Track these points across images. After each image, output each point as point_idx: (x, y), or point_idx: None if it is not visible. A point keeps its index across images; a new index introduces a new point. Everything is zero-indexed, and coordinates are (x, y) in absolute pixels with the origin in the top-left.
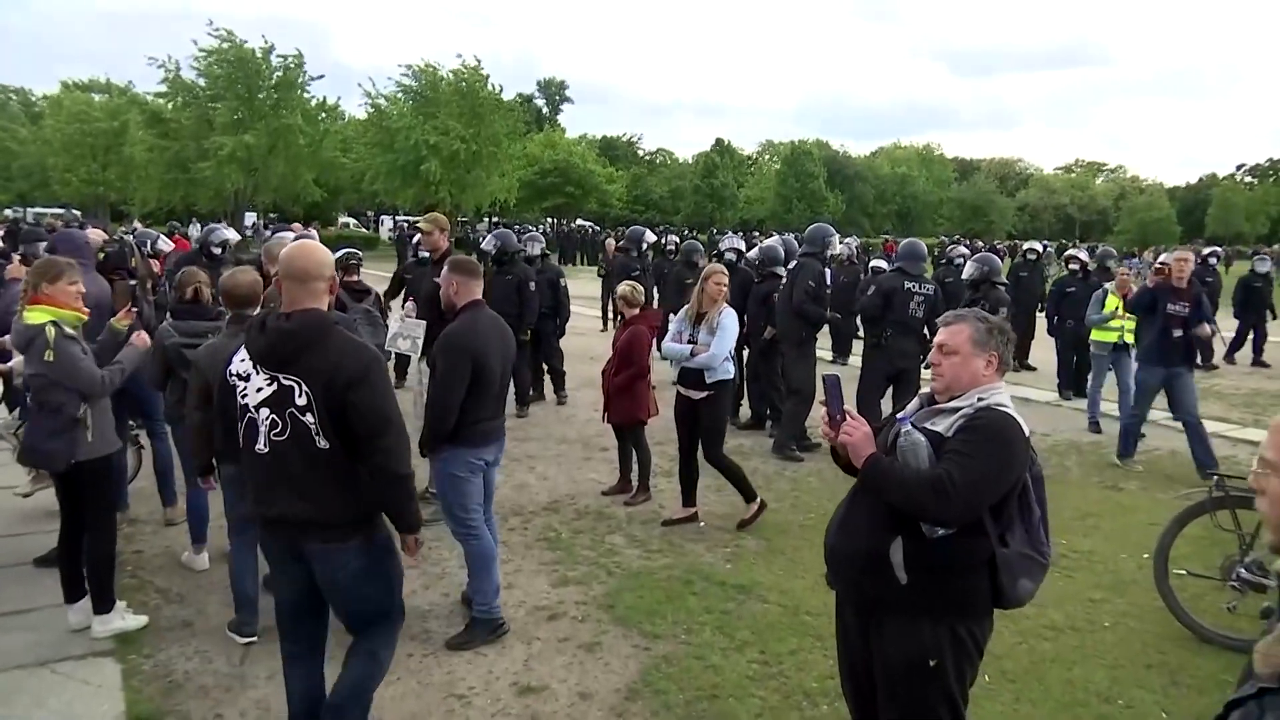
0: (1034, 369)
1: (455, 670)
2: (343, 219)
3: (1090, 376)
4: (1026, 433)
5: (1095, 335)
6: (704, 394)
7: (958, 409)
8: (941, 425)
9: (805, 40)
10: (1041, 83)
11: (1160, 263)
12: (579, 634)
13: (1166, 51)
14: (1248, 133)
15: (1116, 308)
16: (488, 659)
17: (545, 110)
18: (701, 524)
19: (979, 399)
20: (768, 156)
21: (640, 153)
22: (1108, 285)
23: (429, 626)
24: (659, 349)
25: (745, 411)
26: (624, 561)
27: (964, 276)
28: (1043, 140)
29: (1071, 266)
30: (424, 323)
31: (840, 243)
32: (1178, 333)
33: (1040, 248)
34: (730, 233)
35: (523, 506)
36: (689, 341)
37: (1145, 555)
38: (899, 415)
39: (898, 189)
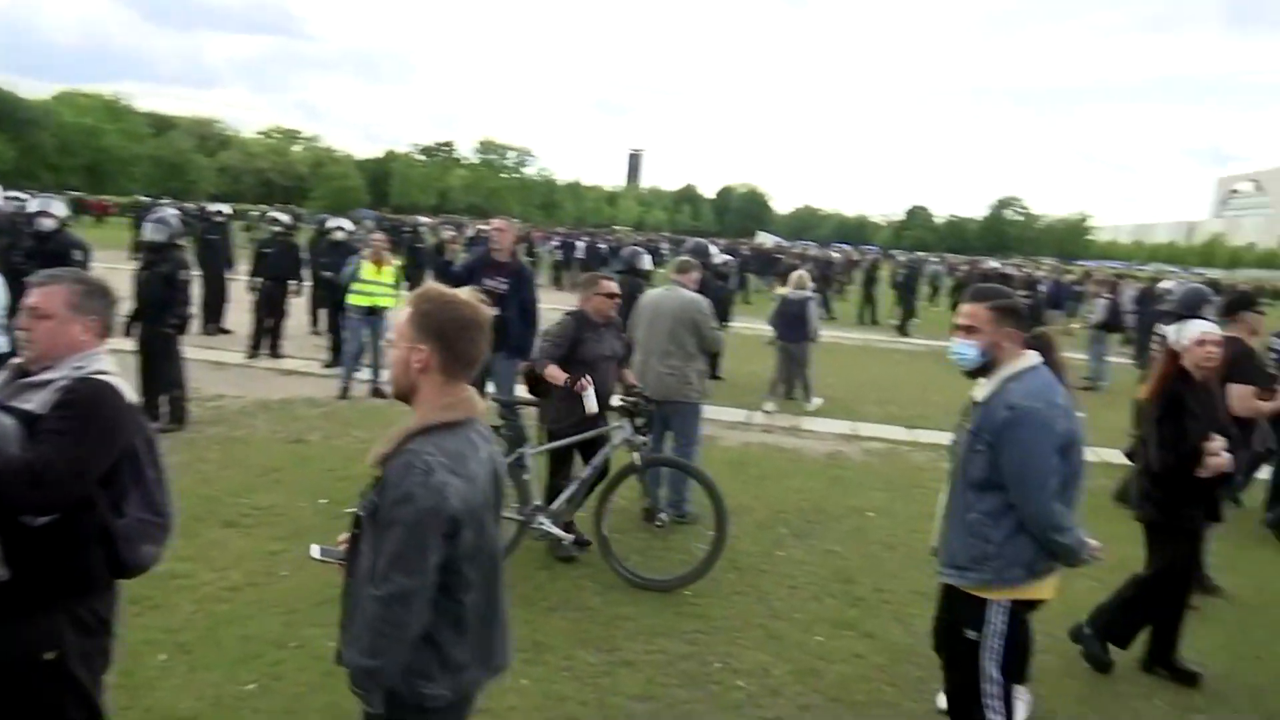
0: (229, 332)
1: None
2: None
3: (345, 340)
4: (129, 398)
5: (350, 299)
6: None
7: (50, 381)
8: (34, 401)
9: None
10: (242, 46)
11: (479, 230)
12: None
13: (358, 34)
14: (420, 116)
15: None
16: None
17: None
18: None
19: (76, 368)
20: None
21: None
22: (364, 252)
23: None
24: None
25: None
26: None
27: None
28: (243, 104)
29: (274, 228)
30: None
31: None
32: (493, 311)
33: (229, 210)
34: None
35: None
36: None
37: (322, 501)
38: None
39: (85, 140)
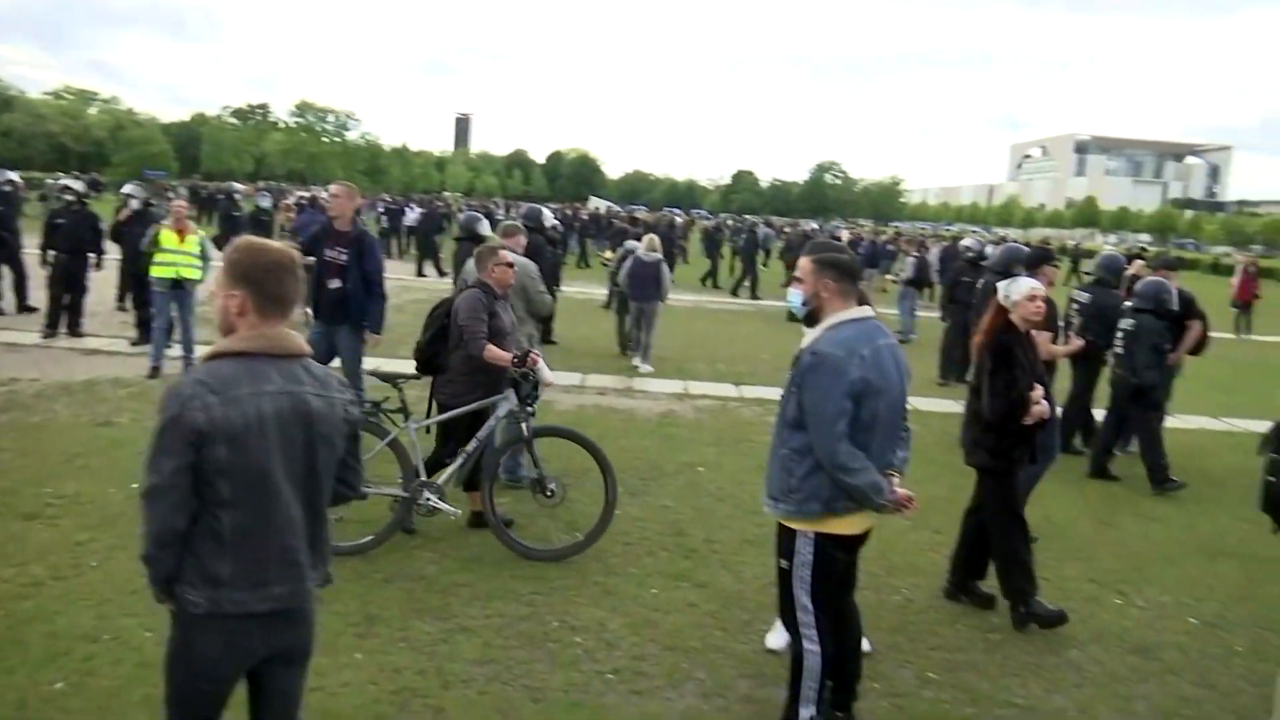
0: (35, 309)
1: None
2: None
3: (152, 315)
4: None
5: (153, 271)
6: None
7: None
8: None
9: None
10: None
11: (300, 198)
12: None
13: None
14: (231, 77)
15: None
16: None
17: None
18: None
19: None
20: None
21: None
22: (165, 221)
23: None
24: None
25: None
26: None
27: None
28: (28, 61)
29: (67, 197)
30: None
31: None
32: (335, 283)
33: (18, 179)
34: None
35: None
36: None
37: (134, 485)
38: None
39: None
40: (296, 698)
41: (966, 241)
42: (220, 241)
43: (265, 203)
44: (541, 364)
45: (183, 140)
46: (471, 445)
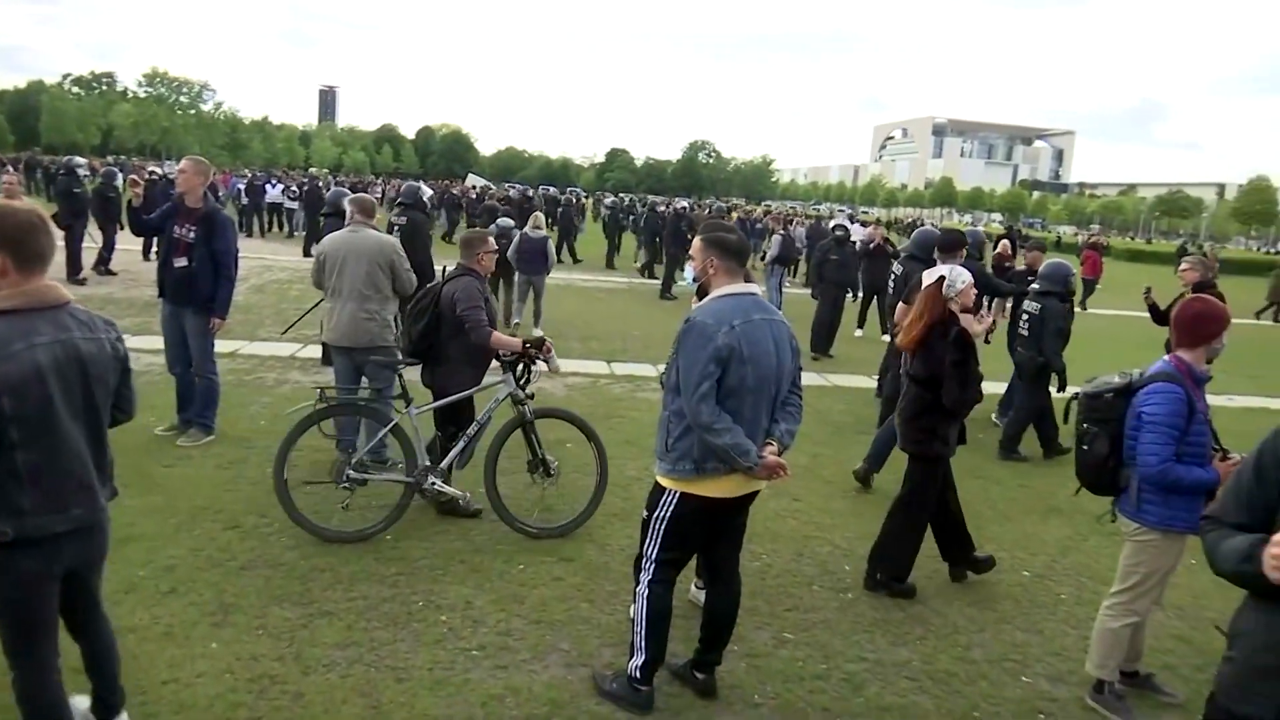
0: None
1: None
2: None
3: None
4: None
5: None
6: None
7: None
8: None
9: None
10: None
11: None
12: None
13: None
14: (71, 43)
15: None
16: None
17: None
18: None
19: None
20: None
21: None
22: None
23: None
24: None
25: None
26: None
27: None
28: None
29: None
30: None
31: None
32: (181, 262)
33: None
34: None
35: None
36: None
37: None
38: None
39: None
40: (98, 594)
41: (837, 220)
42: (60, 220)
43: (119, 181)
44: (552, 353)
45: (19, 110)
46: (472, 429)
